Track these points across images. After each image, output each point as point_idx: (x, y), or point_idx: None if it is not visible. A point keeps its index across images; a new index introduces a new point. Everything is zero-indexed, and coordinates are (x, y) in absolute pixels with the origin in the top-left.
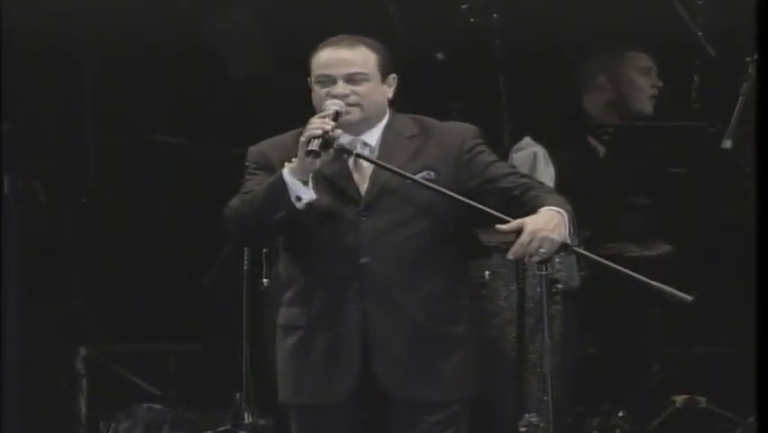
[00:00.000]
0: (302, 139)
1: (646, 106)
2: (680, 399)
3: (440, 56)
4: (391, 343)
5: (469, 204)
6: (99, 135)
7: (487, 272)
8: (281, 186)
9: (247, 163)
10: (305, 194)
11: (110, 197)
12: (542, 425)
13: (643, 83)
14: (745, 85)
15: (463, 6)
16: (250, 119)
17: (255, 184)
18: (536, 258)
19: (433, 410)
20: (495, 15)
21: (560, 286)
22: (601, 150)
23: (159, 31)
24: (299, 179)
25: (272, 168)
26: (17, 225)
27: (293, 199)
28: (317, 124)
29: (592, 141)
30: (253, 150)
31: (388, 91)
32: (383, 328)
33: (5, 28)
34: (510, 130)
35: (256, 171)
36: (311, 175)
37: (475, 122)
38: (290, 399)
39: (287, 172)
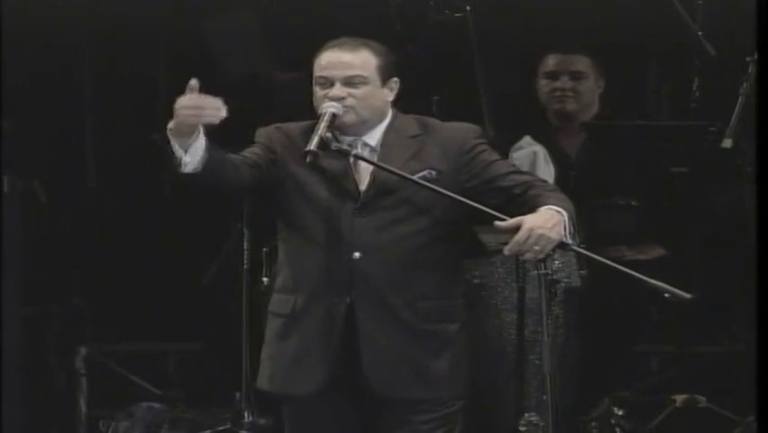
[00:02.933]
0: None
1: (555, 105)
2: (679, 398)
3: (409, 47)
4: (377, 340)
5: (468, 204)
6: (99, 135)
7: (485, 271)
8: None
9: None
10: (187, 159)
11: (110, 197)
12: (542, 424)
13: (544, 84)
14: (745, 84)
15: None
16: (249, 119)
17: (248, 152)
18: (530, 255)
19: (423, 409)
20: (468, 8)
21: (559, 286)
22: (598, 148)
23: (159, 30)
24: (180, 147)
25: (273, 149)
26: (17, 225)
27: (178, 162)
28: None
29: (589, 139)
30: (261, 129)
31: (389, 95)
32: (369, 325)
33: (5, 28)
34: (492, 126)
35: (256, 142)
36: (193, 144)
37: (453, 116)
38: (265, 385)
39: (169, 128)
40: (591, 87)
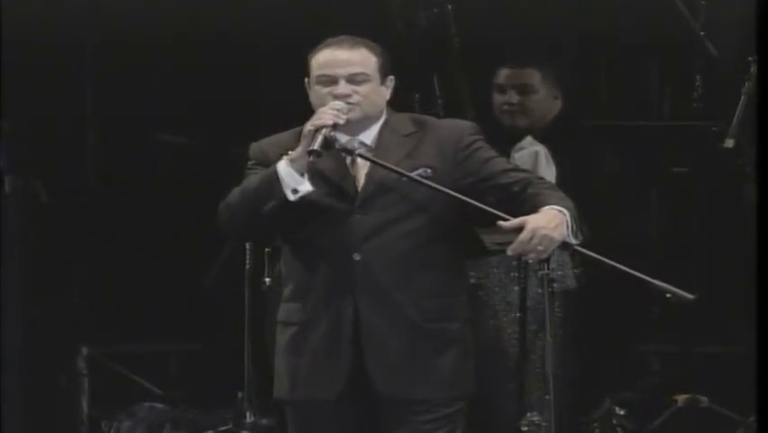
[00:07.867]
0: (309, 128)
1: (505, 120)
2: (681, 398)
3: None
4: (382, 340)
5: (466, 201)
6: (99, 135)
7: (483, 272)
8: (274, 177)
9: (248, 161)
10: (301, 186)
11: (110, 197)
12: (543, 424)
13: (496, 98)
14: (747, 84)
15: None
16: (250, 118)
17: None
18: (533, 256)
19: (426, 409)
20: (450, 6)
21: (555, 285)
22: (599, 149)
23: (159, 30)
24: (297, 170)
25: (270, 165)
26: (17, 225)
27: (288, 191)
28: (330, 115)
29: (589, 141)
30: (254, 146)
31: (387, 93)
32: (374, 326)
33: (5, 28)
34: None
35: (255, 167)
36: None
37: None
38: (284, 395)
39: (283, 164)
40: (543, 100)
